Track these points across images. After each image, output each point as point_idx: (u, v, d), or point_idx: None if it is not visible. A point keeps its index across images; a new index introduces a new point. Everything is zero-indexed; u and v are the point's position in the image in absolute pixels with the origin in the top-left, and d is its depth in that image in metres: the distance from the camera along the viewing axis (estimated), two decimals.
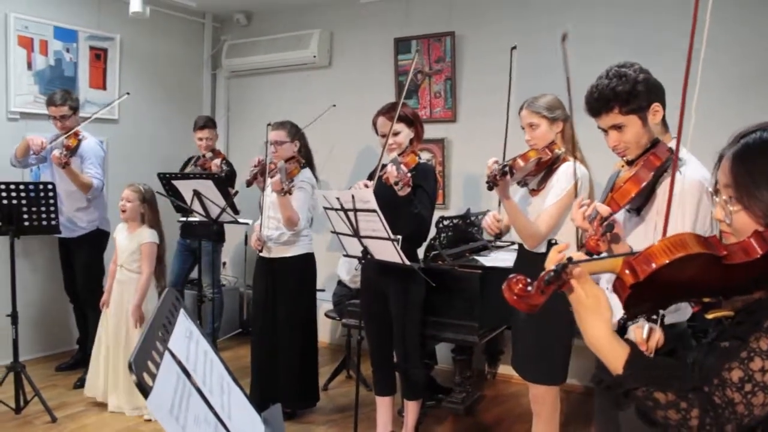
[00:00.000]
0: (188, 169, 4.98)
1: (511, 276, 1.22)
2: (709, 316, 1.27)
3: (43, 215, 3.90)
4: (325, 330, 5.55)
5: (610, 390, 1.24)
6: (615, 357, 1.21)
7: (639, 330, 1.69)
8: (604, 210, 1.83)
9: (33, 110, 4.87)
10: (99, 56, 5.33)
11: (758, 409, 1.12)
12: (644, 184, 1.94)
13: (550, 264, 1.23)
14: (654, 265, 1.16)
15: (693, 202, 1.91)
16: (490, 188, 2.58)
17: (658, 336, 1.69)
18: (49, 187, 3.91)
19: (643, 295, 1.21)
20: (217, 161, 4.85)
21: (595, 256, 1.28)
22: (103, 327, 4.02)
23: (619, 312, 1.30)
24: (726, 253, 1.16)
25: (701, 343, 1.36)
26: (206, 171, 4.84)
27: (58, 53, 5.04)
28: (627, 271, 1.19)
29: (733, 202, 1.25)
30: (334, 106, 3.75)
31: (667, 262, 1.15)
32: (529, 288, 1.19)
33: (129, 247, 3.98)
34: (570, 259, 1.20)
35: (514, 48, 2.66)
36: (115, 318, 3.95)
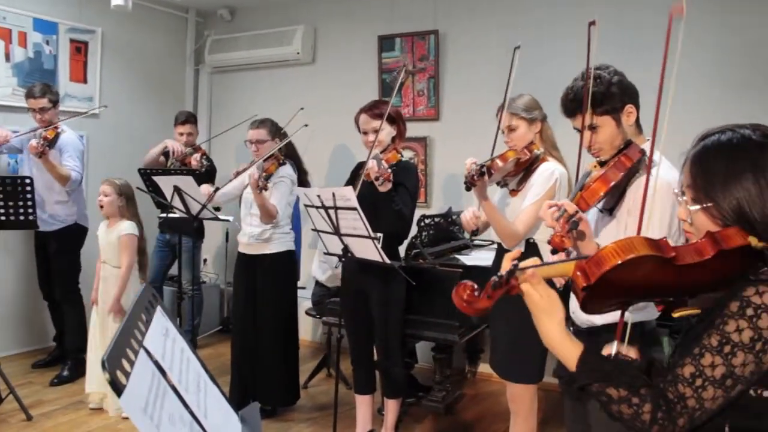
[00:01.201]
0: (170, 164, 4.93)
1: (459, 282, 1.27)
2: (675, 315, 1.32)
3: (20, 210, 3.84)
4: (306, 328, 5.53)
5: (568, 385, 1.30)
6: (569, 355, 1.27)
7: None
8: (571, 207, 1.84)
9: (11, 103, 4.80)
10: (80, 49, 5.27)
11: (709, 402, 1.17)
12: (613, 183, 1.98)
13: (503, 270, 1.28)
14: (603, 268, 1.21)
15: (663, 203, 1.93)
16: (468, 189, 2.59)
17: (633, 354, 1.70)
18: (27, 181, 3.86)
19: (599, 296, 1.27)
20: (197, 156, 4.82)
21: (546, 261, 1.33)
22: (93, 326, 3.95)
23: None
24: (674, 255, 1.21)
25: (675, 348, 1.39)
26: (186, 166, 4.81)
27: (37, 45, 4.97)
28: (578, 274, 1.25)
29: (692, 203, 1.30)
30: (302, 109, 3.74)
31: (616, 264, 1.20)
32: (476, 293, 1.26)
33: (110, 242, 3.93)
34: (516, 266, 1.25)
35: (517, 48, 2.64)
36: (101, 316, 3.90)
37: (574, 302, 2.10)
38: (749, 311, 1.15)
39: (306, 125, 3.74)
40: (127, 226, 3.93)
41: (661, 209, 1.92)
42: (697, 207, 1.28)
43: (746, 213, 1.23)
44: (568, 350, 1.27)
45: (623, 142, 2.07)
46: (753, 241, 1.19)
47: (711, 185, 1.26)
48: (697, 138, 1.35)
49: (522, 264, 1.28)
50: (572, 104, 2.10)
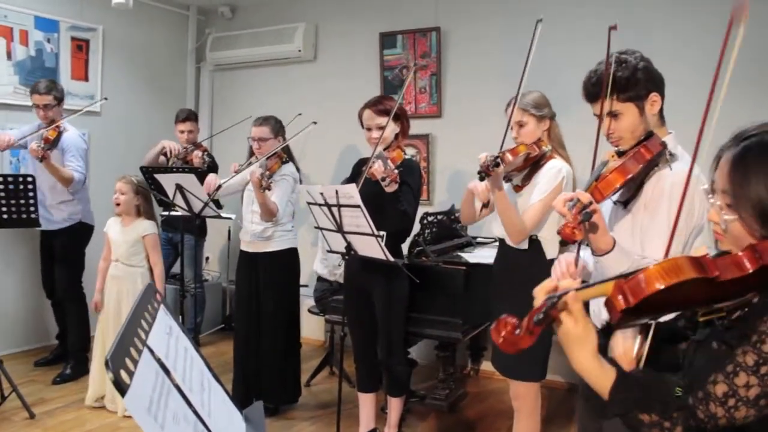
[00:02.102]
0: (170, 163, 4.92)
1: (501, 317, 1.21)
2: (702, 320, 1.27)
3: (23, 208, 3.83)
4: (309, 326, 5.52)
5: (601, 415, 1.29)
6: (601, 383, 1.23)
7: (622, 344, 1.66)
8: (585, 197, 1.78)
9: (13, 101, 4.80)
10: (81, 47, 5.26)
11: (740, 421, 1.15)
12: (630, 175, 1.90)
13: (538, 300, 1.22)
14: (646, 292, 1.15)
15: (689, 199, 1.88)
16: (481, 179, 2.56)
17: (646, 349, 1.67)
18: (29, 179, 3.85)
19: (634, 315, 1.21)
20: (199, 153, 4.81)
21: (583, 285, 1.26)
22: (100, 330, 3.89)
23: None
24: (718, 274, 1.16)
25: (691, 340, 1.35)
26: (187, 164, 4.80)
27: (38, 43, 4.96)
28: (619, 297, 1.18)
29: (729, 211, 1.22)
30: (315, 123, 3.70)
31: (660, 289, 1.14)
32: (518, 331, 1.18)
33: (126, 241, 3.89)
34: (556, 296, 1.20)
35: (540, 20, 2.52)
36: (114, 315, 3.83)
37: (593, 302, 2.06)
38: None
39: (315, 123, 3.70)
40: (149, 226, 3.93)
41: (688, 206, 1.86)
42: (735, 217, 1.21)
43: None
44: (600, 379, 1.23)
45: (644, 133, 1.98)
46: None
47: (753, 193, 1.18)
48: (733, 137, 1.26)
49: (562, 287, 1.23)
50: (594, 88, 2.01)
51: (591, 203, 1.77)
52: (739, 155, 1.22)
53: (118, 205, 3.91)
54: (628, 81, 1.96)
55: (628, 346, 1.66)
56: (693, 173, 1.84)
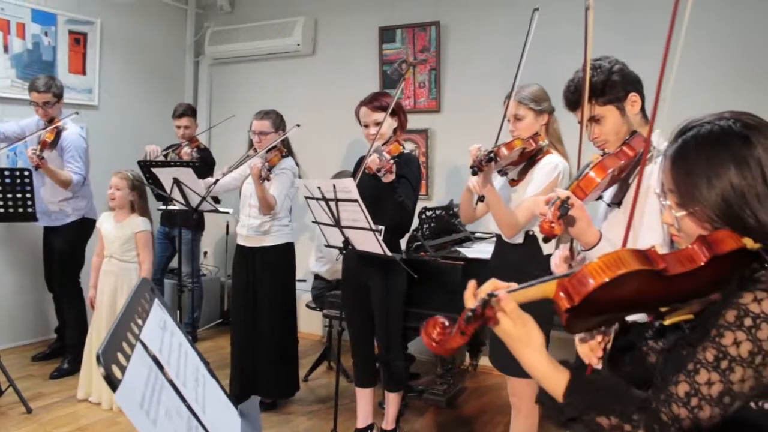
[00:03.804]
0: (168, 157, 4.91)
1: (428, 320, 1.16)
2: (667, 322, 1.22)
3: (19, 202, 3.82)
4: (306, 321, 5.52)
5: (557, 418, 1.20)
6: (554, 385, 1.18)
7: (583, 344, 1.63)
8: (563, 193, 1.81)
9: (10, 95, 4.78)
10: (78, 41, 5.24)
11: (705, 422, 1.08)
12: (610, 170, 1.92)
13: (468, 302, 1.18)
14: (589, 288, 1.11)
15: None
16: (474, 173, 2.56)
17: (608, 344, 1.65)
18: (26, 173, 3.83)
19: (584, 316, 1.17)
20: (188, 149, 4.79)
21: (523, 284, 1.22)
22: (94, 326, 3.88)
23: None
24: (665, 266, 1.12)
25: (661, 350, 1.31)
26: (181, 159, 4.78)
27: (36, 37, 4.94)
28: (561, 294, 1.14)
29: (677, 208, 1.21)
30: (298, 126, 3.70)
31: (603, 283, 1.10)
32: (448, 331, 1.14)
33: (120, 237, 3.87)
34: (491, 295, 1.15)
35: (536, 9, 2.56)
36: (108, 311, 3.81)
37: None
38: (747, 321, 1.06)
39: (298, 125, 3.71)
40: (142, 222, 3.90)
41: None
42: (683, 212, 1.19)
43: (735, 212, 1.13)
44: (552, 381, 1.19)
45: (629, 133, 2.02)
46: (748, 242, 1.11)
47: (695, 187, 1.16)
48: (674, 132, 1.24)
49: (499, 288, 1.18)
50: (574, 96, 2.06)
51: (569, 198, 1.79)
52: (677, 151, 1.21)
53: (113, 200, 3.89)
54: (605, 84, 2.01)
55: (593, 343, 1.63)
56: None
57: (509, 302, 1.16)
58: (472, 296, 1.20)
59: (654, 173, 1.92)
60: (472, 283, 1.22)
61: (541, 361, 1.18)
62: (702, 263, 1.11)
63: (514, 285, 1.20)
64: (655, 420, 1.10)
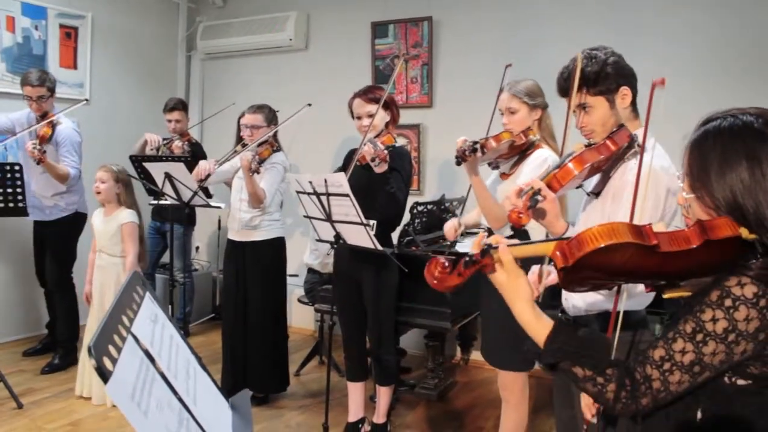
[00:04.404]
0: (160, 152, 4.90)
1: (432, 258, 1.30)
2: (666, 296, 1.32)
3: (9, 197, 3.80)
4: (298, 316, 5.53)
5: (538, 362, 1.32)
6: (539, 333, 1.28)
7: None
8: (537, 183, 1.83)
9: (0, 89, 4.75)
10: (69, 35, 5.21)
11: (674, 386, 1.18)
12: (588, 164, 1.92)
13: (474, 247, 1.30)
14: (583, 251, 1.21)
15: (656, 190, 1.91)
16: (458, 163, 2.61)
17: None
18: (16, 168, 3.81)
19: (579, 276, 1.27)
20: (179, 143, 4.78)
21: (527, 241, 1.34)
22: (89, 321, 3.88)
23: None
24: (657, 242, 1.20)
25: (665, 325, 1.40)
26: (173, 153, 4.77)
27: (26, 30, 4.91)
28: (558, 254, 1.25)
29: (688, 190, 1.28)
30: (310, 105, 3.71)
31: (596, 248, 1.20)
32: (448, 271, 1.28)
33: (108, 231, 3.86)
34: (490, 245, 1.28)
35: (508, 66, 2.75)
36: (98, 306, 3.82)
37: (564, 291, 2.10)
38: (727, 302, 1.15)
39: (309, 105, 3.72)
40: (128, 215, 3.88)
41: (654, 197, 1.90)
42: (692, 195, 1.27)
43: (739, 203, 1.20)
44: (537, 329, 1.28)
45: (616, 126, 2.03)
46: (744, 232, 1.17)
47: (705, 173, 1.24)
48: (699, 122, 1.31)
49: (503, 241, 1.29)
50: (566, 84, 2.06)
51: (540, 190, 1.81)
52: (697, 139, 1.29)
53: (98, 193, 3.88)
54: (598, 75, 2.01)
55: (588, 402, 1.75)
56: (660, 165, 1.88)
57: (507, 254, 1.28)
58: (477, 244, 1.31)
59: (632, 169, 1.94)
60: (481, 233, 1.34)
61: (528, 311, 1.29)
62: (694, 246, 1.19)
63: (515, 241, 1.32)
64: (628, 375, 1.21)
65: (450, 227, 2.94)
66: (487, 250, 1.27)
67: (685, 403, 1.23)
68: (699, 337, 1.16)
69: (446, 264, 1.27)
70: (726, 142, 1.23)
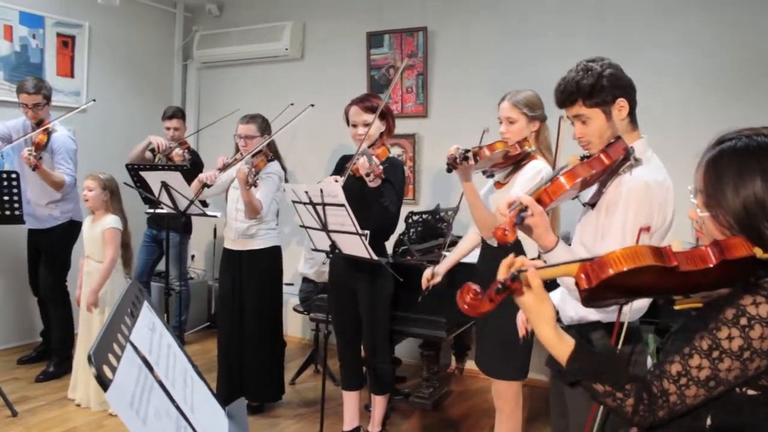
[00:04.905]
0: (157, 159, 4.91)
1: (464, 284, 1.32)
2: (677, 307, 1.35)
3: (6, 205, 3.81)
4: (293, 325, 5.53)
5: (561, 380, 1.37)
6: (561, 353, 1.32)
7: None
8: (525, 200, 1.83)
9: None
10: (66, 44, 5.23)
11: (690, 399, 1.23)
12: (579, 179, 1.91)
13: (501, 273, 1.33)
14: (606, 274, 1.25)
15: (637, 203, 1.92)
16: (449, 170, 2.65)
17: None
18: (13, 176, 3.81)
19: (601, 294, 1.30)
20: (179, 151, 4.79)
21: (551, 263, 1.36)
22: (80, 333, 3.89)
23: None
24: (677, 264, 1.24)
25: (669, 333, 1.44)
26: (169, 161, 4.78)
27: (23, 39, 4.93)
28: (582, 276, 1.28)
29: (703, 208, 1.32)
30: (312, 105, 3.73)
31: (619, 272, 1.24)
32: (480, 297, 1.30)
33: (93, 236, 3.89)
34: (521, 270, 1.30)
35: (486, 131, 2.90)
36: (87, 319, 3.84)
37: (558, 297, 2.11)
38: (743, 321, 1.19)
39: (312, 105, 3.74)
40: (111, 221, 3.89)
41: (635, 208, 1.92)
42: (707, 214, 1.30)
43: (753, 223, 1.24)
44: (559, 349, 1.32)
45: (613, 137, 2.02)
46: (758, 252, 1.21)
47: (722, 192, 1.27)
48: (713, 141, 1.34)
49: (529, 264, 1.32)
50: (562, 95, 2.08)
51: (527, 208, 1.81)
52: (713, 158, 1.31)
53: (86, 201, 3.90)
54: (593, 88, 2.02)
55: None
56: (655, 179, 1.90)
57: (536, 279, 1.31)
58: (506, 268, 1.34)
59: (626, 182, 1.96)
60: (510, 257, 1.36)
61: (551, 333, 1.33)
62: (711, 265, 1.23)
63: (540, 263, 1.36)
64: (646, 389, 1.26)
65: (424, 277, 3.06)
66: (516, 276, 1.29)
67: (695, 411, 1.27)
68: (715, 354, 1.21)
69: (478, 290, 1.30)
70: (741, 161, 1.26)
